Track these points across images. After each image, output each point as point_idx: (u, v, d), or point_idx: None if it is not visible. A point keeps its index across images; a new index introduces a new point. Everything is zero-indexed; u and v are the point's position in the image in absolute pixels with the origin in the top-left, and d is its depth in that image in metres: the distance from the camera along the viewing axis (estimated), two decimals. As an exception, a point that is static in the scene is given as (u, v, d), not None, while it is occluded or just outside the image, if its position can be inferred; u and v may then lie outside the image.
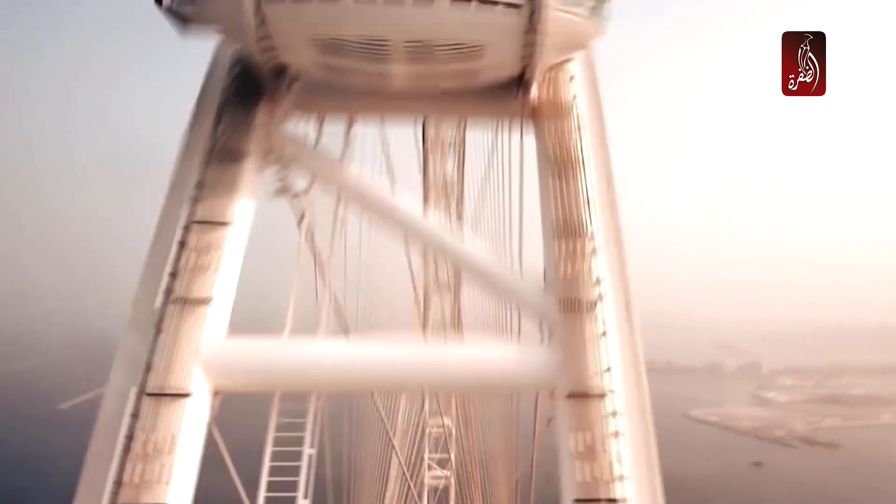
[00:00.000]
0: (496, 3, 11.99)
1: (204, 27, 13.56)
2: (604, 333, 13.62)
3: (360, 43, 12.65)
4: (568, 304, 14.16)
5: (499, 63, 13.47)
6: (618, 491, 13.01)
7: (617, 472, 13.06)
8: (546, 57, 12.98)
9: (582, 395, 13.50)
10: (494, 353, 15.55)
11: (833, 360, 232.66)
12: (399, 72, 13.67)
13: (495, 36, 12.69)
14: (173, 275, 13.67)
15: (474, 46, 12.66)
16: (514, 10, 12.14)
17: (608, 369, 13.43)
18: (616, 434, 13.17)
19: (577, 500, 13.13)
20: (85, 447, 12.43)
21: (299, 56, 13.46)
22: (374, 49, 12.67)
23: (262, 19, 11.98)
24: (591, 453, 13.25)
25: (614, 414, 13.30)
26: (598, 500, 13.34)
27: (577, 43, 14.49)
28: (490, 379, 16.09)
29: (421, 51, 12.85)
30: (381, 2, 11.96)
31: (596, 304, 14.06)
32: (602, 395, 13.39)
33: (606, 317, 13.97)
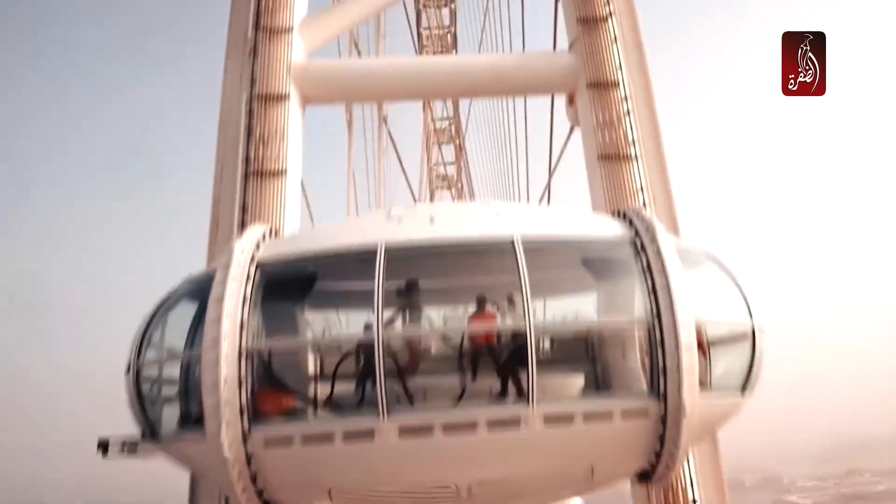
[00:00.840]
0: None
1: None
2: (615, 40, 18.47)
3: None
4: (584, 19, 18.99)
5: None
6: (633, 150, 17.72)
7: (630, 137, 17.90)
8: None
9: (600, 84, 18.38)
10: (523, 61, 20.36)
11: (851, 467, 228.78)
12: None
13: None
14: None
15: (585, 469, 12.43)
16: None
17: (620, 66, 18.37)
18: (628, 112, 17.93)
19: (599, 156, 17.89)
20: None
21: None
22: None
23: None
24: (609, 125, 17.87)
25: (626, 98, 18.06)
26: (619, 155, 17.75)
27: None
28: (520, 83, 20.28)
29: None
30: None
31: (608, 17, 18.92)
32: (616, 84, 18.28)
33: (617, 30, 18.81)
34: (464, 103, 56.02)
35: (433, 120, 58.97)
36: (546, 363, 14.22)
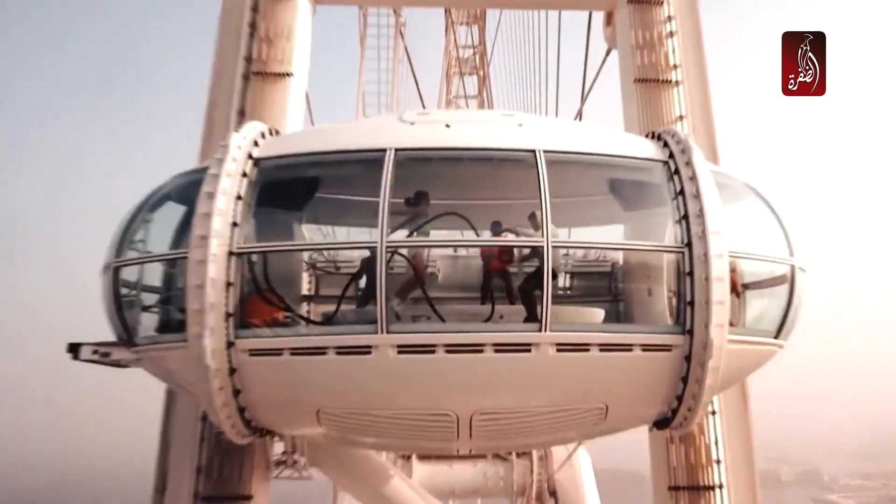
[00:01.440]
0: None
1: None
2: None
3: None
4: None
5: None
6: (673, 75, 18.22)
7: (672, 60, 18.24)
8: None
9: (643, 0, 18.53)
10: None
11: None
12: None
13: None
14: None
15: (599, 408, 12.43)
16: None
17: None
18: (671, 33, 18.05)
19: (636, 80, 18.33)
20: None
21: None
22: None
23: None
24: (649, 46, 17.95)
25: (670, 18, 18.16)
26: (658, 80, 18.25)
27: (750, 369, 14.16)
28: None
29: None
30: None
31: None
32: (660, 1, 18.38)
33: None
34: (490, 30, 56.06)
35: (456, 47, 58.73)
36: (566, 296, 14.49)
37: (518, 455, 41.86)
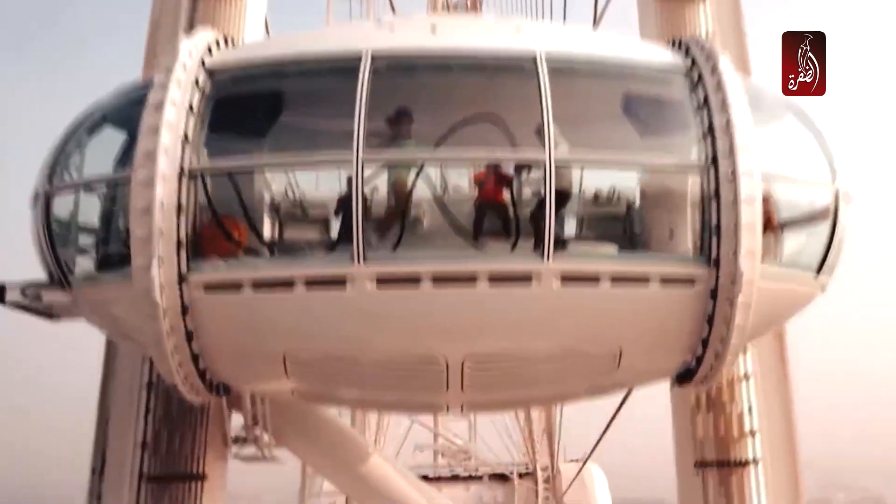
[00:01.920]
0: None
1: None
2: None
3: None
4: None
5: None
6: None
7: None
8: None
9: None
10: None
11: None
12: None
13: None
14: None
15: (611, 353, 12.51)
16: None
17: None
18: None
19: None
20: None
21: None
22: None
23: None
24: None
25: None
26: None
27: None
28: None
29: None
30: None
31: None
32: None
33: None
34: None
35: (445, -5, 58.18)
36: (576, 238, 14.51)
37: (521, 476, 41.99)
